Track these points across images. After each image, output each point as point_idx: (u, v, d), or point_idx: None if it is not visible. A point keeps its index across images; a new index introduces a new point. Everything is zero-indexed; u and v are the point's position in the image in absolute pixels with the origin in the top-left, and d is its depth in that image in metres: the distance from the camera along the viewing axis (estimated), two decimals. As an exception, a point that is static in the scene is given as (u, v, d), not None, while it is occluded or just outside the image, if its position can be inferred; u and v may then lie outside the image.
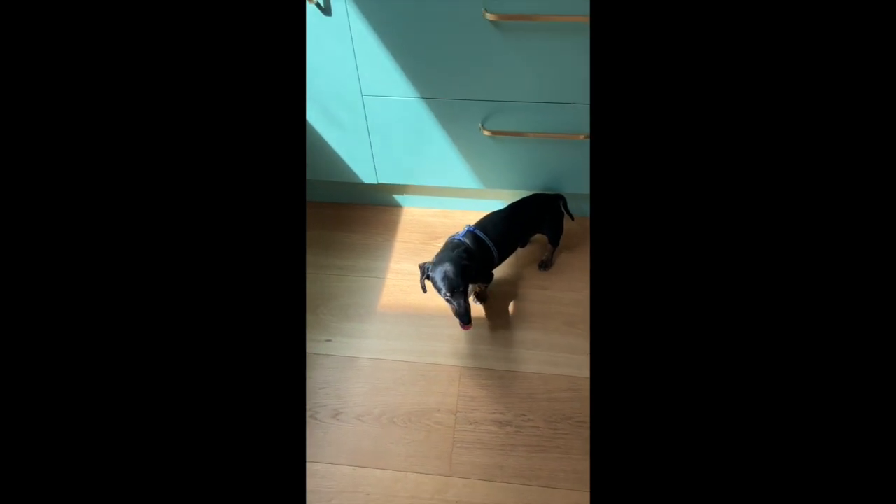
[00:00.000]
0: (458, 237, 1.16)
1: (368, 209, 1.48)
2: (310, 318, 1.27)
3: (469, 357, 1.20)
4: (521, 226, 1.24)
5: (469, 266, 1.09)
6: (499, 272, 1.26)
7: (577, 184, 1.28)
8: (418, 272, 1.14)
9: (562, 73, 1.06)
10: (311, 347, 1.23)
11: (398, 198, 1.47)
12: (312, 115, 1.22)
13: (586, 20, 0.96)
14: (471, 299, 1.28)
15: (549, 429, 1.09)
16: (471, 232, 1.17)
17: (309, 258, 1.38)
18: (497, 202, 1.39)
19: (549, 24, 0.99)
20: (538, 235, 1.31)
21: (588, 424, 1.10)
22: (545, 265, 1.33)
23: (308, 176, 1.36)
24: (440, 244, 1.21)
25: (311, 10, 1.04)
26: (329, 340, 1.23)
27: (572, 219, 1.33)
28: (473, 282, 1.20)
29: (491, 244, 1.17)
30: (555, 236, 1.28)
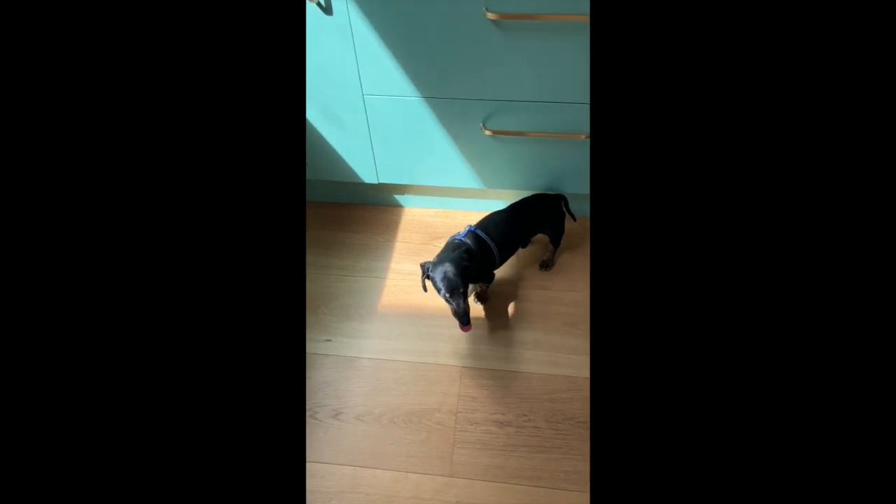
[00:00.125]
0: (459, 237, 1.16)
1: (369, 209, 1.48)
2: (310, 318, 1.27)
3: (470, 357, 1.20)
4: (523, 226, 1.24)
5: (470, 267, 1.08)
6: (500, 272, 1.26)
7: (578, 184, 1.28)
8: (419, 272, 1.14)
9: (563, 72, 1.06)
10: (311, 347, 1.22)
11: (399, 198, 1.47)
12: (313, 115, 1.22)
13: (588, 19, 0.96)
14: (471, 299, 1.28)
15: (550, 429, 1.09)
16: (472, 232, 1.17)
17: (309, 258, 1.38)
18: (498, 202, 1.39)
19: (551, 23, 0.99)
20: (539, 235, 1.31)
21: (589, 425, 1.09)
22: (546, 265, 1.33)
23: (309, 176, 1.36)
24: (441, 244, 1.21)
25: (312, 10, 1.04)
26: (329, 340, 1.23)
27: (574, 219, 1.32)
28: (474, 282, 1.20)
29: (492, 244, 1.17)
30: (556, 236, 1.28)
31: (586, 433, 1.08)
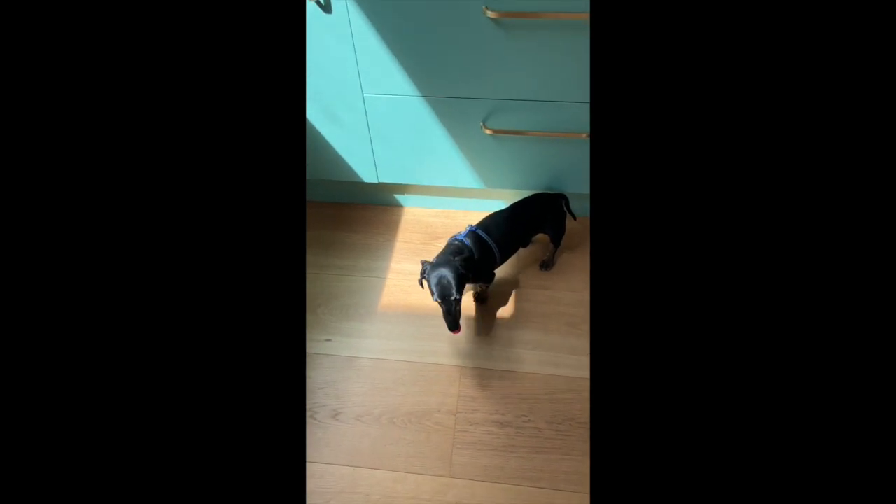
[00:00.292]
0: (459, 237, 1.16)
1: (369, 209, 1.47)
2: (310, 318, 1.27)
3: (470, 357, 1.19)
4: (523, 225, 1.23)
5: (465, 275, 1.08)
6: (500, 272, 1.26)
7: (579, 183, 1.28)
8: (419, 272, 1.14)
9: (564, 71, 1.06)
10: (311, 347, 1.22)
11: (399, 197, 1.47)
12: (313, 114, 1.22)
13: (588, 17, 0.96)
14: (469, 297, 1.28)
15: (550, 430, 1.09)
16: (473, 232, 1.16)
17: (309, 258, 1.37)
18: (499, 202, 1.39)
19: (551, 21, 0.98)
20: (540, 235, 1.31)
21: (589, 425, 1.09)
22: (547, 265, 1.32)
23: (308, 175, 1.35)
24: (441, 244, 1.21)
25: (312, 8, 1.03)
26: (329, 340, 1.23)
27: (574, 218, 1.32)
28: (475, 282, 1.19)
29: (493, 244, 1.16)
30: (557, 236, 1.28)
31: (586, 434, 1.08)
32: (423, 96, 1.14)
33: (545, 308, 1.26)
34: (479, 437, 1.08)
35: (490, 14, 0.97)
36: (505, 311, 1.27)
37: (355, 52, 1.09)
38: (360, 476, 1.04)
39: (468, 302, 1.28)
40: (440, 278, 1.07)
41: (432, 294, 1.08)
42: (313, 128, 1.24)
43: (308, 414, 1.12)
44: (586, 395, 1.13)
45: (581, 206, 1.38)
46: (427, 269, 1.09)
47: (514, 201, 1.26)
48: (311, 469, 1.06)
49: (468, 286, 1.16)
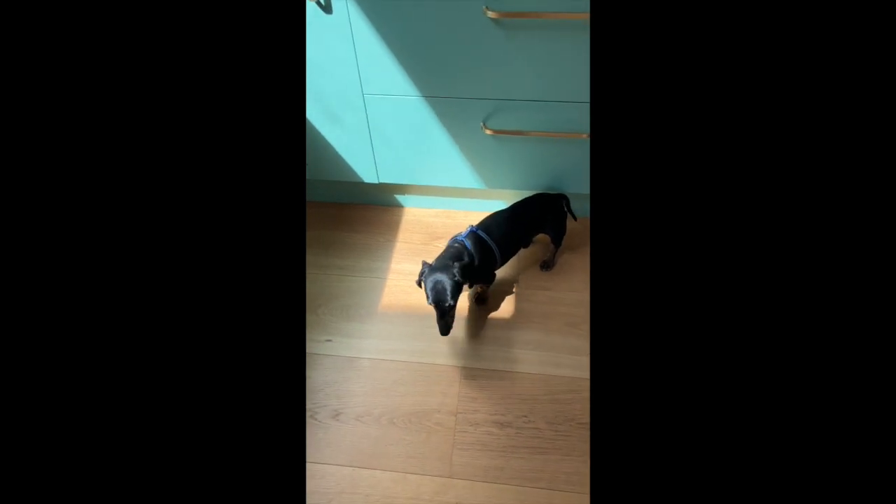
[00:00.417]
0: (460, 237, 1.16)
1: (370, 209, 1.47)
2: (310, 318, 1.27)
3: (470, 358, 1.19)
4: (524, 226, 1.23)
5: (461, 283, 1.08)
6: (501, 272, 1.26)
7: (579, 183, 1.28)
8: (419, 272, 1.14)
9: (564, 71, 1.06)
10: (311, 347, 1.22)
11: (399, 198, 1.47)
12: (313, 115, 1.22)
13: (588, 17, 0.96)
14: (470, 297, 1.27)
15: (551, 430, 1.09)
16: (473, 232, 1.16)
17: (310, 258, 1.37)
18: (499, 202, 1.39)
19: (552, 21, 0.98)
20: (540, 235, 1.31)
21: (589, 426, 1.09)
22: (547, 265, 1.32)
23: (309, 175, 1.35)
24: (442, 244, 1.20)
25: (312, 9, 1.03)
26: (329, 340, 1.23)
27: (575, 219, 1.32)
28: (475, 283, 1.19)
29: (493, 245, 1.16)
30: (557, 236, 1.28)
31: (587, 434, 1.08)
32: (424, 96, 1.14)
33: (546, 308, 1.26)
34: (479, 437, 1.08)
35: (490, 14, 0.97)
36: (505, 312, 1.27)
37: (356, 53, 1.09)
38: (360, 476, 1.04)
39: (470, 302, 1.28)
40: (436, 283, 1.07)
41: (427, 298, 1.08)
42: (314, 128, 1.24)
43: (308, 414, 1.12)
44: (587, 395, 1.13)
45: (582, 206, 1.38)
46: (425, 272, 1.09)
47: (514, 201, 1.26)
48: (311, 469, 1.06)
49: (468, 287, 1.15)
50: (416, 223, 1.44)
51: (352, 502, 1.01)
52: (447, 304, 1.06)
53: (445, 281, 1.06)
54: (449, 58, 1.07)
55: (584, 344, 1.20)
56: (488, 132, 1.17)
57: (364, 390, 1.15)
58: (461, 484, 1.03)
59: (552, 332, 1.22)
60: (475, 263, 1.13)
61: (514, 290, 1.30)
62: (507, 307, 1.27)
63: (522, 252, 1.35)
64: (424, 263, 1.11)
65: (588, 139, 1.16)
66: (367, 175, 1.33)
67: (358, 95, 1.16)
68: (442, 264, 1.08)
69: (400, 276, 1.33)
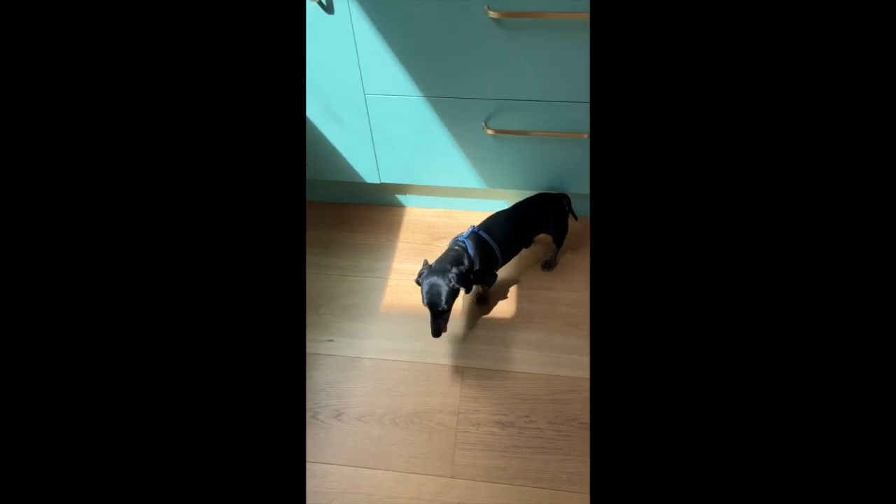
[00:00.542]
0: (462, 238, 1.16)
1: (371, 209, 1.47)
2: (312, 318, 1.27)
3: (471, 357, 1.19)
4: (526, 226, 1.23)
5: (457, 289, 1.08)
6: (502, 272, 1.26)
7: (581, 183, 1.27)
8: (420, 270, 1.14)
9: (566, 71, 1.06)
10: (313, 347, 1.22)
11: (401, 198, 1.47)
12: (315, 115, 1.22)
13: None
14: (472, 297, 1.27)
15: (552, 430, 1.09)
16: (475, 233, 1.16)
17: (311, 258, 1.38)
18: (501, 202, 1.39)
19: (553, 21, 0.98)
20: (542, 235, 1.31)
21: (589, 426, 1.09)
22: (549, 265, 1.32)
23: (310, 176, 1.36)
24: (443, 245, 1.20)
25: (314, 9, 1.03)
26: (331, 340, 1.23)
27: (576, 219, 1.32)
28: (476, 284, 1.19)
29: (494, 245, 1.16)
30: (559, 236, 1.28)
31: (588, 434, 1.08)
32: (425, 96, 1.14)
33: (547, 308, 1.26)
34: (480, 437, 1.08)
35: (492, 14, 0.97)
36: (507, 312, 1.27)
37: (357, 53, 1.09)
38: (362, 476, 1.04)
39: (471, 302, 1.28)
40: (432, 286, 1.07)
41: (422, 300, 1.08)
42: (315, 128, 1.24)
43: (310, 414, 1.12)
44: (588, 395, 1.13)
45: (583, 206, 1.38)
46: (424, 273, 1.09)
47: (516, 201, 1.26)
48: (313, 469, 1.06)
49: (465, 292, 1.15)
50: (418, 223, 1.44)
51: (354, 502, 1.01)
52: (440, 309, 1.07)
53: (441, 285, 1.06)
54: (450, 58, 1.07)
55: (586, 344, 1.20)
56: (490, 132, 1.17)
57: (366, 390, 1.15)
58: (463, 484, 1.03)
59: (553, 331, 1.22)
60: (474, 268, 1.13)
61: (515, 290, 1.30)
62: (508, 307, 1.27)
63: (524, 252, 1.35)
64: (426, 262, 1.11)
65: (589, 139, 1.16)
66: (369, 175, 1.33)
67: (359, 95, 1.16)
68: (440, 268, 1.08)
69: (401, 276, 1.33)
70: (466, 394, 1.14)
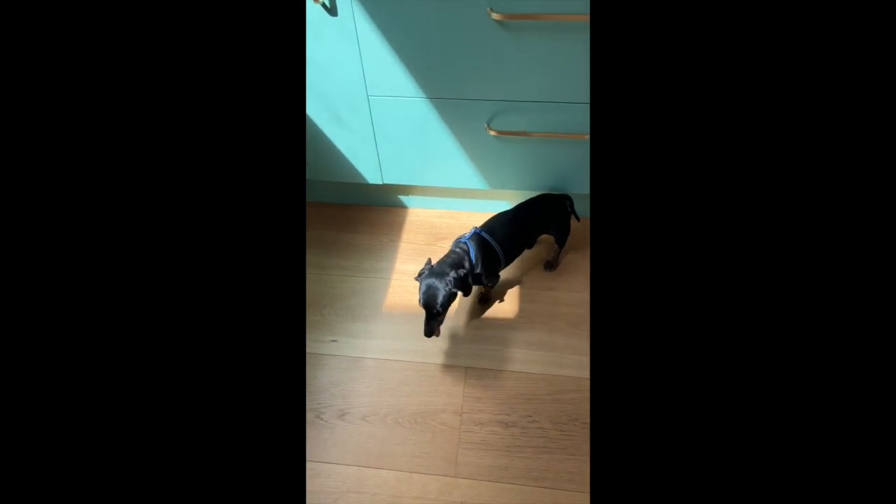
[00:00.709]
0: (464, 239, 1.16)
1: (373, 210, 1.48)
2: (315, 319, 1.27)
3: (474, 358, 1.20)
4: (528, 227, 1.24)
5: (454, 294, 1.09)
6: (504, 273, 1.26)
7: (583, 184, 1.28)
8: (421, 270, 1.14)
9: (568, 72, 1.06)
10: (316, 348, 1.23)
11: (403, 199, 1.47)
12: (318, 116, 1.22)
13: (593, 20, 0.96)
14: (472, 297, 1.28)
15: (555, 430, 1.09)
16: (476, 234, 1.17)
17: (314, 259, 1.38)
18: (503, 203, 1.39)
19: (555, 23, 0.99)
20: (544, 236, 1.31)
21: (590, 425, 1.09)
22: (551, 266, 1.33)
23: (314, 177, 1.36)
24: (445, 245, 1.21)
25: (317, 11, 1.04)
26: (334, 341, 1.24)
27: (577, 219, 1.32)
28: (477, 285, 1.20)
29: (497, 246, 1.17)
30: (561, 237, 1.28)
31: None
32: (428, 98, 1.15)
33: (549, 308, 1.27)
34: (484, 437, 1.09)
35: (494, 16, 0.98)
36: (509, 312, 1.27)
37: (360, 55, 1.09)
38: (366, 476, 1.05)
39: (474, 302, 1.28)
40: (429, 287, 1.08)
41: (419, 298, 1.09)
42: (318, 129, 1.25)
43: (314, 414, 1.13)
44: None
45: (585, 206, 1.39)
46: (424, 273, 1.10)
47: (518, 202, 1.27)
48: (317, 469, 1.06)
49: (463, 295, 1.16)
50: (420, 224, 1.45)
51: (358, 501, 1.02)
52: (435, 311, 1.08)
53: (439, 288, 1.07)
54: (453, 59, 1.07)
55: (588, 344, 1.21)
56: (492, 133, 1.17)
57: (369, 390, 1.16)
58: (466, 483, 1.03)
59: (556, 332, 1.23)
60: (475, 271, 1.14)
61: (517, 290, 1.31)
62: (511, 307, 1.28)
63: (526, 252, 1.35)
64: (429, 261, 1.12)
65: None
66: (372, 176, 1.33)
67: (362, 97, 1.17)
68: (440, 270, 1.09)
69: (404, 277, 1.34)
70: (469, 394, 1.14)
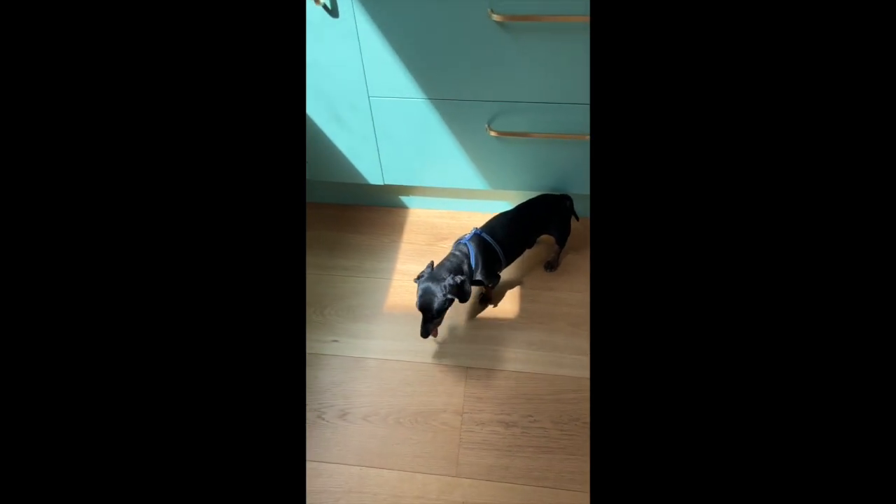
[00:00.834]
0: (464, 240, 1.16)
1: (374, 210, 1.48)
2: (316, 319, 1.28)
3: (475, 358, 1.20)
4: (529, 227, 1.24)
5: (451, 300, 1.10)
6: (505, 273, 1.26)
7: (583, 184, 1.28)
8: (421, 272, 1.14)
9: (568, 73, 1.06)
10: (317, 348, 1.23)
11: (404, 199, 1.47)
12: (319, 117, 1.23)
13: (593, 21, 0.96)
14: (474, 297, 1.28)
15: (556, 430, 1.09)
16: (477, 235, 1.17)
17: (315, 259, 1.38)
18: (504, 203, 1.39)
19: (556, 24, 0.99)
20: (545, 236, 1.31)
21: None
22: (551, 266, 1.33)
23: (314, 177, 1.36)
24: (446, 245, 1.21)
25: (319, 12, 1.04)
26: (336, 341, 1.24)
27: (577, 220, 1.33)
28: (477, 286, 1.20)
29: (497, 247, 1.17)
30: (562, 237, 1.29)
31: (592, 433, 1.09)
32: (429, 99, 1.15)
33: (550, 308, 1.27)
34: (485, 436, 1.09)
35: (495, 17, 0.98)
36: (510, 312, 1.27)
37: (361, 56, 1.10)
38: (367, 476, 1.05)
39: (474, 302, 1.29)
40: (426, 291, 1.09)
41: (416, 301, 1.10)
42: (319, 130, 1.25)
43: (316, 414, 1.13)
44: (591, 395, 1.13)
45: (585, 206, 1.39)
46: (424, 276, 1.10)
47: (519, 202, 1.27)
48: (319, 469, 1.07)
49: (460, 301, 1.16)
50: (421, 224, 1.45)
51: (360, 501, 1.02)
52: (431, 314, 1.09)
53: (436, 293, 1.08)
54: (454, 60, 1.08)
55: (588, 344, 1.21)
56: (493, 134, 1.17)
57: (371, 390, 1.16)
58: (467, 483, 1.04)
59: (556, 332, 1.23)
60: (473, 276, 1.14)
61: (518, 290, 1.31)
62: (511, 307, 1.28)
63: (527, 252, 1.35)
64: (431, 264, 1.12)
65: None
66: (373, 177, 1.34)
67: (364, 98, 1.17)
68: (438, 275, 1.10)
69: (405, 277, 1.34)
70: (470, 393, 1.15)
